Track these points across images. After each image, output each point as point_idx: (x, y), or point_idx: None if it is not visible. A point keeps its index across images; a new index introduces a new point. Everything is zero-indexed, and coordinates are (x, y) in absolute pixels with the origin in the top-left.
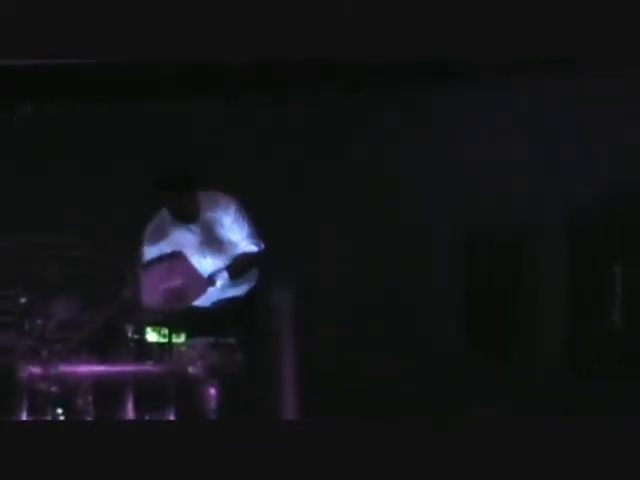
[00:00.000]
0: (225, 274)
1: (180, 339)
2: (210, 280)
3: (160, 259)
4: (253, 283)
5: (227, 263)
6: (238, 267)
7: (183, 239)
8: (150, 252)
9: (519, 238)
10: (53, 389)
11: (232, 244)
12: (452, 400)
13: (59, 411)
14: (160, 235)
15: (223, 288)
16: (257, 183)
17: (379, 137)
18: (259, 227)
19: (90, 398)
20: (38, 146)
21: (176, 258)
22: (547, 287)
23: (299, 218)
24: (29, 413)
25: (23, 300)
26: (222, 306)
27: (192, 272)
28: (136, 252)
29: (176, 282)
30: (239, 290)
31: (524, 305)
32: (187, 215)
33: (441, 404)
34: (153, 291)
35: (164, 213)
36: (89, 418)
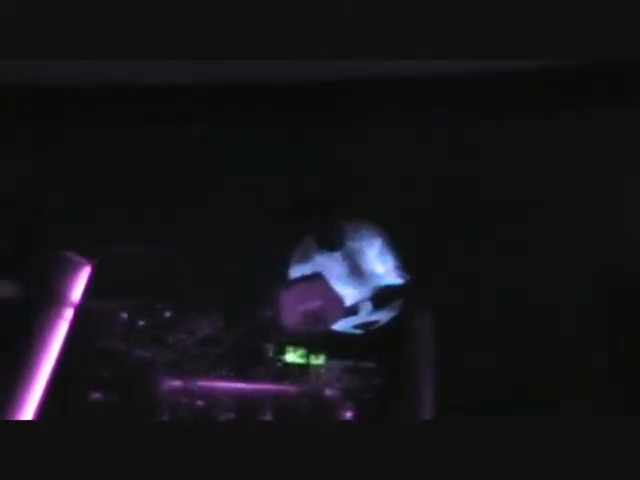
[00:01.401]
0: (369, 305)
1: (318, 361)
2: (352, 310)
3: (300, 280)
4: (396, 310)
5: (371, 294)
6: (382, 298)
7: (325, 266)
8: (293, 273)
9: None
10: (198, 403)
11: (376, 276)
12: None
13: None
14: (303, 259)
15: (367, 312)
16: (401, 213)
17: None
18: (403, 257)
19: (232, 415)
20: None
21: (316, 279)
22: None
23: (440, 246)
24: None
25: (168, 314)
26: (364, 330)
27: (331, 295)
28: (278, 272)
29: (314, 303)
30: (380, 315)
31: None
32: (331, 243)
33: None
34: (292, 311)
35: (309, 239)
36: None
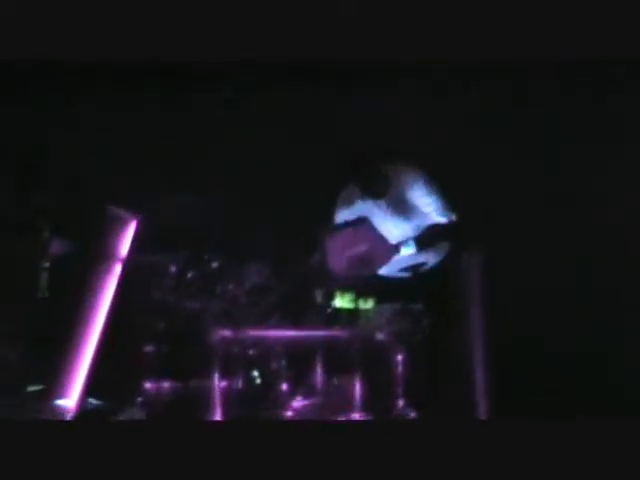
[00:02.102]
0: (412, 242)
1: (368, 305)
2: (396, 248)
3: (346, 225)
4: (443, 252)
5: (417, 234)
6: (426, 237)
7: (371, 210)
8: (336, 219)
9: None
10: (250, 352)
11: (421, 216)
12: None
13: (255, 374)
14: (347, 205)
15: (412, 255)
16: (446, 155)
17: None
18: (450, 199)
19: (284, 362)
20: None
21: (362, 224)
22: None
23: (491, 189)
24: (223, 376)
25: (215, 265)
26: (411, 273)
27: (377, 238)
28: (324, 218)
29: (361, 248)
30: (428, 257)
31: None
32: (375, 189)
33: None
34: (338, 257)
35: (353, 186)
36: (283, 382)
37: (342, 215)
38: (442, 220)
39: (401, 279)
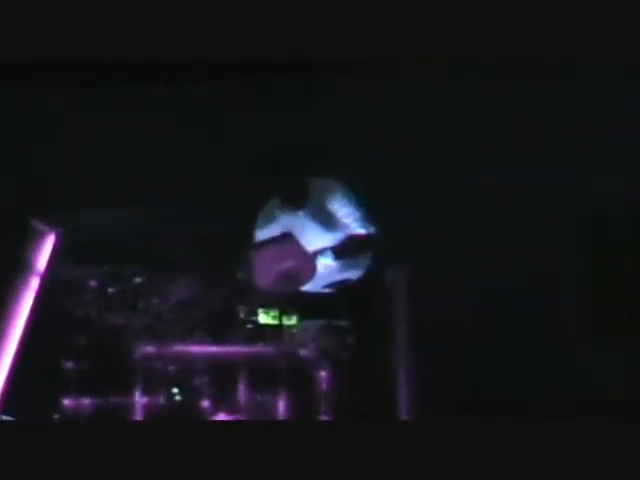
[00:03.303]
0: (329, 253)
1: (292, 321)
2: (315, 256)
3: (272, 240)
4: (367, 267)
5: (339, 249)
6: (345, 248)
7: (292, 224)
8: (261, 235)
9: None
10: (170, 368)
11: (340, 228)
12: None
13: (175, 391)
14: (269, 219)
15: (335, 271)
16: (368, 167)
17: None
18: (370, 211)
19: (205, 378)
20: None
21: (287, 239)
22: None
23: (413, 200)
24: (145, 392)
25: (138, 279)
26: (335, 289)
27: (303, 254)
28: (249, 234)
29: (287, 264)
30: (352, 273)
31: None
32: (296, 201)
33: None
34: (265, 272)
35: (276, 199)
36: (204, 398)
37: (264, 229)
38: (361, 232)
39: (326, 295)
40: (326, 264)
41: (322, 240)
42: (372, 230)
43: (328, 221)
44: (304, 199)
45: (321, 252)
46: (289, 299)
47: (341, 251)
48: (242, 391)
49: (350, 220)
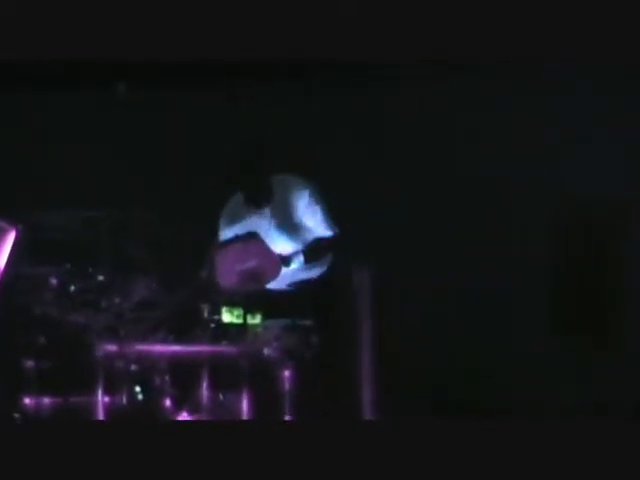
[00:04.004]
0: (301, 257)
1: (255, 320)
2: (285, 262)
3: (235, 239)
4: (328, 266)
5: (302, 247)
6: (313, 251)
7: (256, 223)
8: (225, 234)
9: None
10: (132, 367)
11: (306, 228)
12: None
13: (137, 389)
14: (234, 218)
15: (299, 270)
16: (332, 166)
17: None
18: (335, 211)
19: (167, 378)
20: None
21: (251, 239)
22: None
23: (378, 200)
24: (106, 391)
25: (101, 278)
26: (298, 288)
27: (267, 253)
28: (212, 233)
29: (251, 263)
30: (315, 272)
31: (612, 288)
32: (260, 199)
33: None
34: (228, 272)
35: (238, 196)
36: (166, 398)
37: (228, 228)
38: (326, 233)
39: (290, 295)
40: (296, 266)
41: (287, 241)
42: (336, 231)
43: (292, 221)
44: (268, 197)
45: (293, 257)
46: (253, 298)
47: (310, 255)
48: (204, 390)
49: (315, 221)
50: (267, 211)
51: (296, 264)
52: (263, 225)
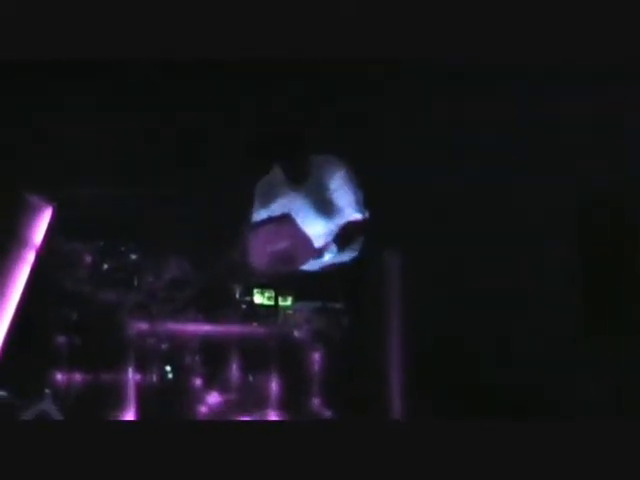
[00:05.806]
0: (334, 247)
1: (287, 302)
2: (319, 252)
3: (268, 220)
4: (359, 249)
5: (335, 234)
6: (345, 237)
7: (291, 202)
8: (259, 213)
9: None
10: (163, 346)
11: (338, 208)
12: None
13: (167, 369)
14: (268, 197)
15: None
16: (370, 148)
17: None
18: (369, 193)
19: (198, 357)
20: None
21: (284, 220)
22: None
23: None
24: (137, 370)
25: (134, 257)
26: (330, 271)
27: (300, 235)
28: (245, 212)
29: (283, 244)
30: (346, 256)
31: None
32: (296, 177)
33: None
34: (260, 253)
35: (276, 172)
36: (197, 377)
37: (262, 208)
38: (357, 216)
39: (321, 277)
40: (330, 256)
41: (321, 224)
42: (368, 214)
43: (326, 201)
44: (305, 175)
45: (326, 248)
46: (285, 280)
47: (342, 242)
48: (234, 371)
49: (347, 201)
50: (303, 191)
51: (331, 254)
52: (297, 204)
